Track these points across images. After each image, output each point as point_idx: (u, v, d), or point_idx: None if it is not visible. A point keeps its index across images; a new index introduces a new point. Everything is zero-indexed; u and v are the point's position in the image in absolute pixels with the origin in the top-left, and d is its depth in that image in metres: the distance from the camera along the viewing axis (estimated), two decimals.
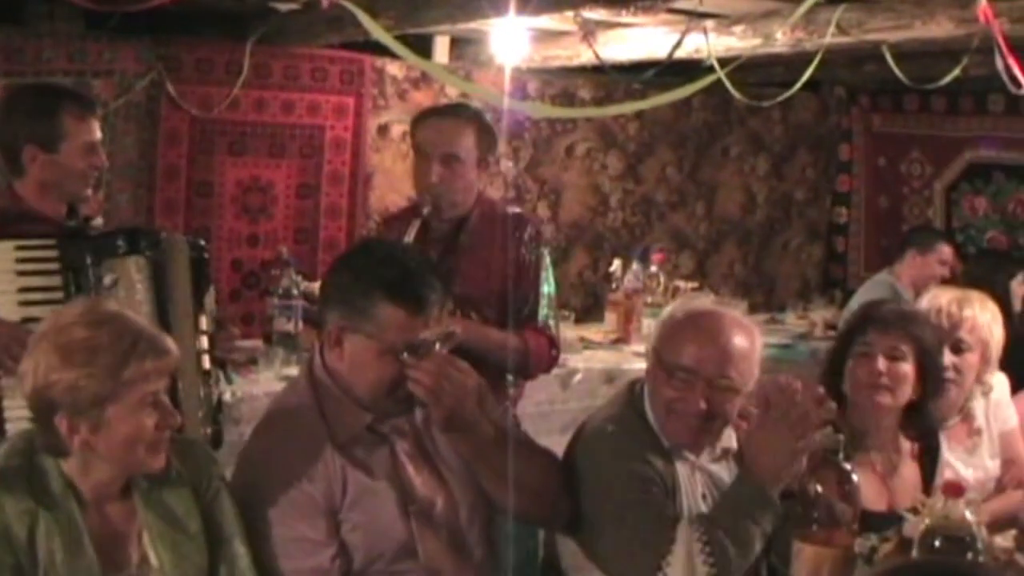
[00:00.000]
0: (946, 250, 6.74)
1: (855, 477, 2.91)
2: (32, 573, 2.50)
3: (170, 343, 2.64)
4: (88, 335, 2.55)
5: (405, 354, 2.83)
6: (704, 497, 3.08)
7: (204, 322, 3.85)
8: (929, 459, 3.65)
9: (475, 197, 4.26)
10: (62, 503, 2.57)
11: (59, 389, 2.52)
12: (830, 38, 5.16)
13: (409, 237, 4.05)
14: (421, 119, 4.33)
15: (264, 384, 5.00)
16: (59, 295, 3.50)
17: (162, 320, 3.62)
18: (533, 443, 3.18)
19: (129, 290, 3.60)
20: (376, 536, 2.86)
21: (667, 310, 3.25)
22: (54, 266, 3.55)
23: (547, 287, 4.26)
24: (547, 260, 4.30)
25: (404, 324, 2.84)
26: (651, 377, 3.14)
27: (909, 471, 3.57)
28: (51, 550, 2.51)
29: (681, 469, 3.08)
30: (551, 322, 4.25)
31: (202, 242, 3.96)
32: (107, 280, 3.56)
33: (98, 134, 3.87)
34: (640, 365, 5.56)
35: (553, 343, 4.25)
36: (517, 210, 4.61)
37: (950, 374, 3.83)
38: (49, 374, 2.52)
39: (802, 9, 3.57)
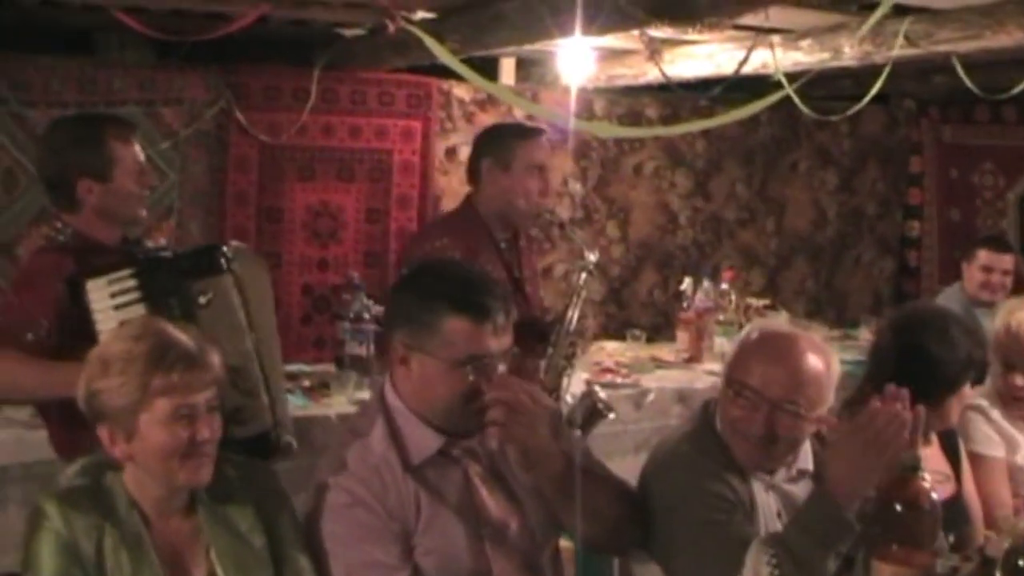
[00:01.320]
0: (985, 255, 6.62)
1: (935, 495, 2.87)
2: None
3: (210, 356, 2.67)
4: (126, 347, 2.64)
5: (471, 375, 2.83)
6: (779, 516, 3.05)
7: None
8: (950, 444, 3.69)
9: None
10: (127, 519, 2.63)
11: (99, 399, 2.63)
12: (898, 50, 5.10)
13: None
14: (529, 136, 4.59)
15: (336, 408, 5.00)
16: None
17: (254, 331, 3.64)
18: (606, 471, 3.16)
19: (226, 306, 3.61)
20: (449, 560, 2.85)
21: (745, 329, 3.23)
22: (143, 293, 3.55)
23: None
24: None
25: (470, 334, 2.84)
26: (721, 395, 3.12)
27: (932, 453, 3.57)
28: (119, 564, 2.57)
29: (757, 487, 3.05)
30: None
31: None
32: (202, 300, 3.56)
33: (142, 155, 3.89)
34: (712, 384, 5.54)
35: None
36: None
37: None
38: (91, 384, 2.65)
39: (870, 22, 3.54)
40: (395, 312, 2.96)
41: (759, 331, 3.15)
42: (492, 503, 2.94)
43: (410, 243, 4.56)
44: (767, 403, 2.98)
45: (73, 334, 3.50)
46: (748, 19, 4.91)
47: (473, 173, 4.58)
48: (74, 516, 2.57)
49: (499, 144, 4.51)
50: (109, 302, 3.51)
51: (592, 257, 4.57)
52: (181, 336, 2.68)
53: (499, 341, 2.87)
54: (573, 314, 4.56)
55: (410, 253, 4.59)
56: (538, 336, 4.56)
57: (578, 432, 3.62)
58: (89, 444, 3.45)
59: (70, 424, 3.62)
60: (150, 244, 4.06)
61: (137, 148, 3.86)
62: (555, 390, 4.43)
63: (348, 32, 6.06)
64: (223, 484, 2.79)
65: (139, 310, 3.52)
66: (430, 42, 3.72)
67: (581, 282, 4.61)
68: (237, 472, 2.83)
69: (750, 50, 5.63)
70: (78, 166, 3.74)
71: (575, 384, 4.64)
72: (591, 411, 3.77)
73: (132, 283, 3.56)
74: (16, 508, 4.38)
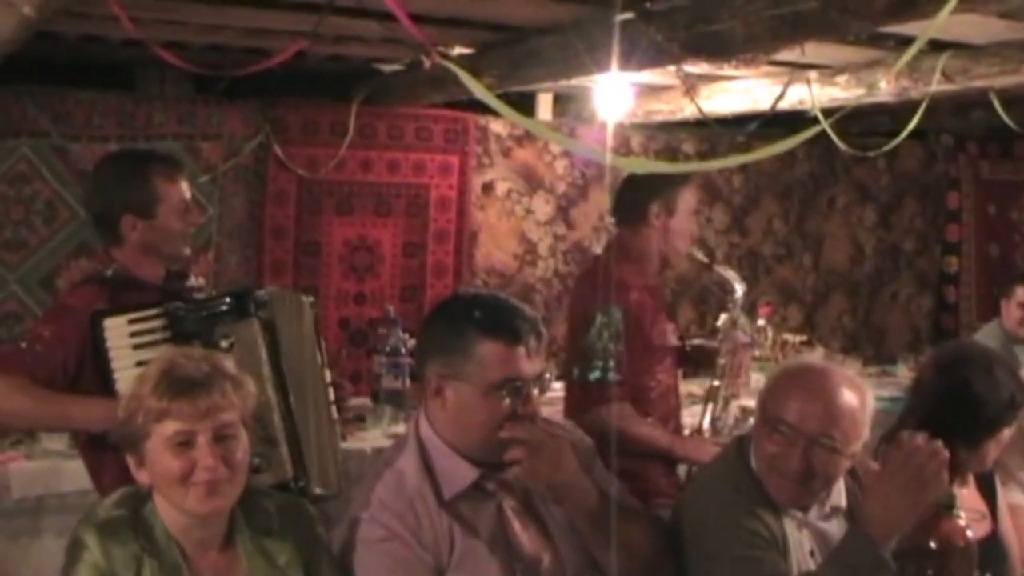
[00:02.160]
0: (1023, 292, 6.61)
1: (970, 533, 2.85)
2: None
3: (223, 388, 2.63)
4: (141, 374, 2.67)
5: (507, 400, 2.83)
6: (812, 554, 3.03)
7: (328, 375, 3.88)
8: (986, 483, 3.62)
9: None
10: (166, 550, 2.62)
11: (119, 426, 2.67)
12: (935, 86, 5.10)
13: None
14: (688, 180, 4.65)
15: (372, 441, 5.03)
16: None
17: (279, 381, 3.65)
18: (638, 507, 3.16)
19: (246, 351, 3.62)
20: None
21: (781, 365, 3.21)
22: (167, 335, 3.57)
23: None
24: None
25: (503, 357, 2.83)
26: (756, 431, 3.10)
27: (968, 492, 3.52)
28: None
29: (790, 525, 3.03)
30: None
31: (311, 297, 3.99)
32: (224, 344, 3.58)
33: (188, 193, 3.91)
34: (748, 421, 5.52)
35: None
36: None
37: None
38: (120, 412, 2.67)
39: (905, 57, 3.53)
40: (427, 344, 2.96)
41: (795, 365, 3.14)
42: (525, 537, 2.93)
43: (608, 292, 4.54)
44: (804, 438, 2.96)
45: (93, 370, 3.55)
46: (784, 55, 4.91)
47: (634, 215, 4.60)
48: (113, 547, 2.56)
49: (666, 190, 4.55)
50: (128, 340, 3.54)
51: (740, 290, 4.75)
52: (192, 362, 2.65)
53: (532, 364, 2.87)
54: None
55: (617, 300, 4.42)
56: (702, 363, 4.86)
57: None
58: (116, 472, 3.52)
59: (99, 452, 3.68)
60: (192, 281, 4.08)
61: (183, 186, 3.88)
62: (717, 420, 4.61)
63: (386, 67, 6.11)
64: (263, 517, 2.78)
65: (160, 351, 3.53)
66: (465, 77, 3.72)
67: (733, 317, 4.78)
68: (276, 506, 2.82)
69: (786, 86, 5.64)
70: (123, 202, 3.76)
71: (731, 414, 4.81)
72: None
73: (155, 324, 3.58)
74: (52, 537, 4.42)
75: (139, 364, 3.47)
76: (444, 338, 2.89)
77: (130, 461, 2.67)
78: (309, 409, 3.76)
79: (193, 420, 2.58)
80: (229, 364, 2.72)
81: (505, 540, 2.89)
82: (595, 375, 4.37)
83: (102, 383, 3.51)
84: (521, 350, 2.85)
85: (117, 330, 3.53)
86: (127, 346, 3.54)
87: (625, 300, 4.41)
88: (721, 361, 4.70)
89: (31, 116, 5.77)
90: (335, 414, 3.88)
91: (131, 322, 3.56)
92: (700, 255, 4.67)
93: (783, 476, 2.99)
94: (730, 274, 4.77)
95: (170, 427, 2.57)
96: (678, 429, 4.59)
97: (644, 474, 4.38)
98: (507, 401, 2.83)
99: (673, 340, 4.61)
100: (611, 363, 4.34)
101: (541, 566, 2.92)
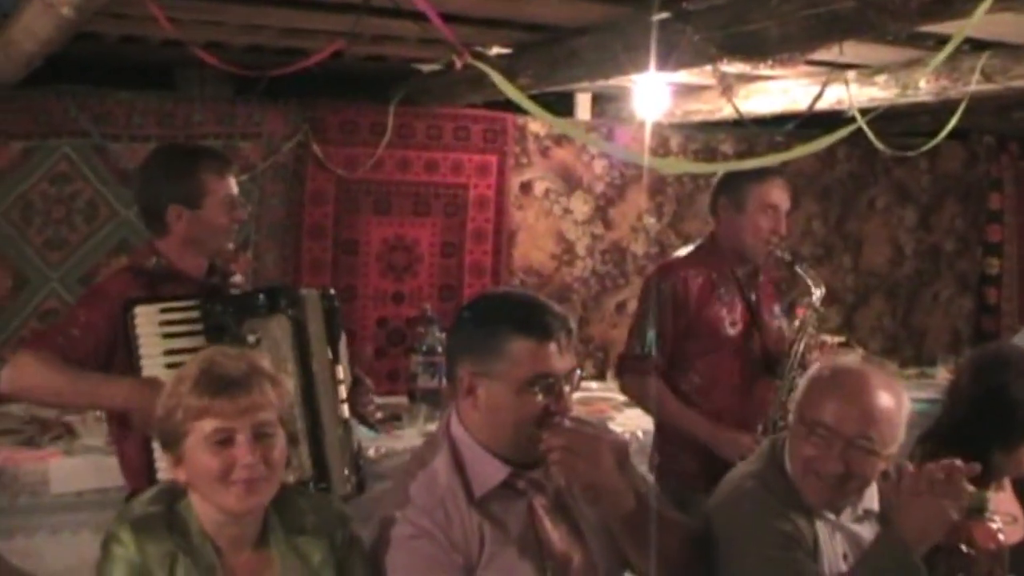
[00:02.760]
0: None
1: (1002, 537, 2.84)
2: None
3: (262, 386, 2.64)
4: (180, 371, 2.68)
5: (540, 397, 2.84)
6: (845, 557, 3.02)
7: (340, 372, 3.91)
8: (1021, 488, 3.61)
9: None
10: (200, 548, 2.63)
11: (158, 423, 2.68)
12: (975, 85, 5.07)
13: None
14: (766, 177, 4.77)
15: (407, 440, 5.04)
16: None
17: (306, 377, 3.68)
18: (673, 511, 3.16)
19: (273, 348, 3.66)
20: None
21: (815, 367, 3.21)
22: (197, 327, 3.62)
23: None
24: None
25: (534, 354, 2.84)
26: (792, 433, 3.10)
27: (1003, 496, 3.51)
28: None
29: (822, 528, 3.03)
30: None
31: (332, 291, 4.01)
32: (251, 339, 3.62)
33: (235, 189, 3.95)
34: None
35: None
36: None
37: None
38: (158, 408, 2.68)
39: (940, 56, 3.51)
40: (458, 343, 2.97)
41: (829, 368, 3.13)
42: (556, 536, 2.94)
43: (656, 273, 4.80)
44: (841, 440, 2.95)
45: (125, 356, 3.62)
46: (822, 54, 4.90)
47: (712, 210, 4.85)
48: (147, 544, 2.58)
49: (735, 185, 4.67)
50: (157, 329, 3.60)
51: (818, 293, 4.79)
52: (231, 361, 2.66)
53: (563, 361, 2.88)
54: (799, 348, 4.74)
55: (658, 280, 4.77)
56: (767, 367, 4.78)
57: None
58: (147, 468, 3.56)
59: (132, 451, 3.73)
60: (234, 278, 4.11)
61: (231, 182, 3.93)
62: (781, 419, 4.56)
63: (424, 68, 6.12)
64: (297, 516, 2.79)
65: (189, 342, 3.60)
66: (498, 78, 3.73)
67: (808, 318, 4.80)
68: (310, 505, 2.84)
69: (824, 85, 5.62)
70: (170, 192, 3.83)
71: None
72: None
73: (186, 315, 3.64)
74: (90, 533, 4.46)
75: (167, 353, 3.57)
76: (475, 337, 2.90)
77: (167, 458, 2.68)
78: (335, 411, 3.80)
79: (232, 418, 2.59)
80: (266, 362, 2.74)
81: (535, 538, 2.90)
82: (636, 349, 4.67)
83: (131, 370, 3.55)
84: (552, 346, 2.85)
85: (148, 318, 3.60)
86: (156, 335, 3.60)
87: (673, 278, 4.69)
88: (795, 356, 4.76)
89: (72, 116, 5.81)
90: (345, 413, 3.90)
91: (162, 311, 3.63)
92: (784, 252, 4.68)
93: (820, 478, 2.99)
94: (810, 274, 4.79)
95: (209, 425, 2.58)
96: (739, 426, 4.61)
97: (677, 456, 4.67)
98: (539, 398, 2.83)
99: (729, 331, 4.67)
100: (651, 337, 4.61)
101: (571, 565, 2.92)
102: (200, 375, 2.60)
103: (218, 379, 2.60)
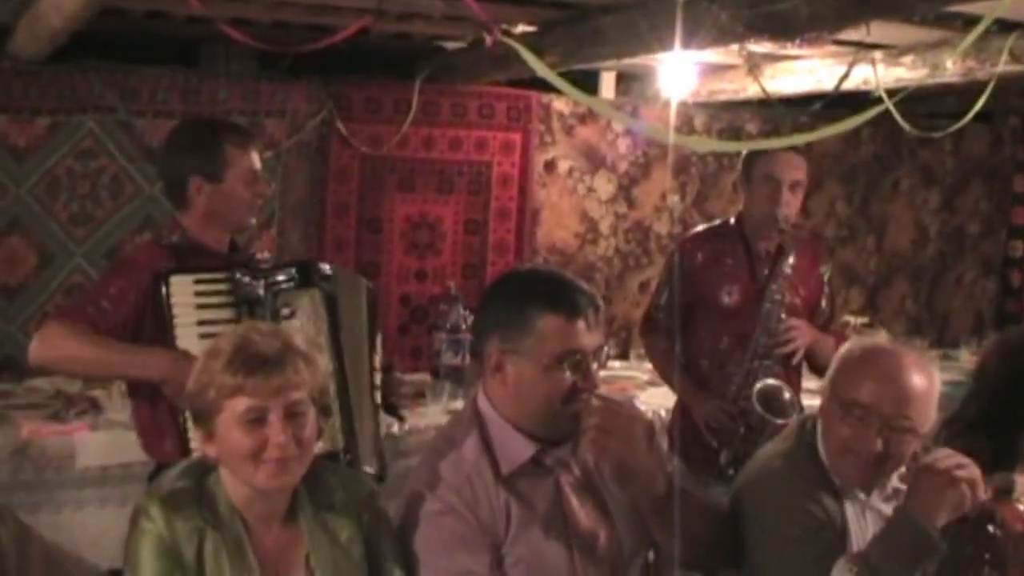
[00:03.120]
0: None
1: None
2: None
3: (295, 365, 2.64)
4: (213, 347, 2.67)
5: (568, 373, 2.84)
6: None
7: (376, 359, 3.92)
8: None
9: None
10: (229, 524, 2.64)
11: (190, 398, 2.68)
12: (1003, 67, 5.05)
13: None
14: (775, 151, 4.74)
15: (431, 418, 5.05)
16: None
17: (336, 353, 3.69)
18: (699, 492, 3.16)
19: (306, 321, 3.67)
20: (537, 571, 2.84)
21: (845, 346, 3.19)
22: (230, 299, 3.62)
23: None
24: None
25: (563, 330, 2.84)
26: (825, 414, 3.08)
27: None
28: (219, 569, 2.59)
29: (850, 509, 3.02)
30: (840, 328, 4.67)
31: (371, 285, 4.04)
32: (284, 312, 3.63)
33: (258, 163, 3.95)
34: (809, 401, 5.49)
35: None
36: (807, 233, 5.18)
37: None
38: (189, 383, 2.68)
39: (970, 38, 3.50)
40: (487, 320, 2.97)
41: (862, 347, 3.11)
42: (583, 514, 2.94)
43: (674, 244, 5.10)
44: (878, 419, 2.94)
45: (154, 327, 3.61)
46: (849, 34, 4.88)
47: (736, 188, 4.97)
48: (176, 519, 2.59)
49: (746, 160, 4.76)
50: (192, 300, 3.60)
51: (789, 261, 4.68)
52: (265, 339, 2.66)
53: (591, 337, 2.88)
54: (764, 310, 4.71)
55: (672, 251, 5.03)
56: None
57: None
58: (169, 443, 3.57)
59: (153, 423, 3.73)
60: (256, 255, 4.13)
61: (253, 156, 3.91)
62: (747, 387, 4.61)
63: (449, 45, 6.12)
64: (326, 492, 2.79)
65: (221, 313, 3.61)
66: (528, 55, 3.73)
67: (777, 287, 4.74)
68: (339, 481, 2.84)
69: (851, 66, 5.61)
70: (192, 165, 3.81)
71: None
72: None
73: (219, 287, 3.64)
74: (116, 507, 4.48)
75: (199, 323, 3.58)
76: (503, 313, 2.90)
77: (197, 433, 2.69)
78: (361, 387, 3.81)
79: (266, 397, 2.59)
80: (299, 339, 2.73)
81: (562, 516, 2.90)
82: (650, 311, 4.93)
83: (161, 340, 3.57)
84: (580, 323, 2.86)
85: (182, 288, 3.59)
86: (191, 305, 3.59)
87: (681, 249, 4.87)
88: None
89: (97, 92, 5.82)
90: (378, 399, 3.92)
91: (197, 282, 3.62)
92: (784, 224, 4.64)
93: (859, 458, 2.97)
94: (790, 244, 4.76)
95: (242, 403, 2.58)
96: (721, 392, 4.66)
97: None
98: (567, 375, 2.84)
99: (725, 301, 4.69)
100: (662, 301, 4.83)
101: (597, 543, 2.93)
102: (234, 352, 2.60)
103: (252, 357, 2.59)
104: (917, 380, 2.96)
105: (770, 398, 4.44)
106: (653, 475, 2.86)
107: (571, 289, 2.92)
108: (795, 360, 4.66)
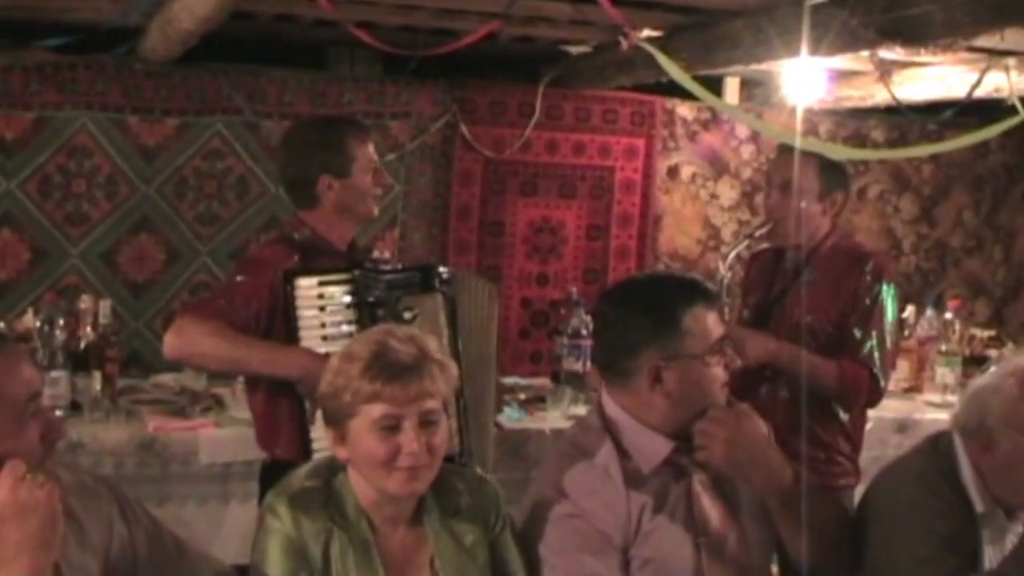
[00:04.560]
0: None
1: None
2: None
3: (432, 373, 2.63)
4: (350, 351, 2.67)
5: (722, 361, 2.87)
6: None
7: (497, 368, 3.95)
8: None
9: (823, 231, 4.39)
10: (355, 524, 2.65)
11: (323, 400, 2.68)
12: None
13: (731, 253, 4.49)
14: (781, 150, 4.54)
15: (551, 422, 5.03)
16: (357, 329, 3.59)
17: (455, 356, 3.69)
18: (826, 493, 3.13)
19: (429, 325, 3.68)
20: (665, 572, 2.83)
21: (993, 376, 3.10)
22: (353, 300, 3.66)
23: (885, 322, 4.30)
24: (887, 296, 4.31)
25: (711, 318, 2.89)
26: (985, 442, 2.99)
27: None
28: (345, 568, 2.61)
29: (986, 530, 2.96)
30: (876, 355, 4.22)
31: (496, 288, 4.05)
32: (407, 315, 3.64)
33: (375, 154, 4.00)
34: (933, 415, 5.42)
35: (874, 377, 4.22)
36: (866, 246, 4.75)
37: None
38: (322, 384, 2.69)
39: None
40: (633, 340, 2.91)
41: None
42: (713, 514, 2.93)
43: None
44: None
45: (285, 324, 3.66)
46: (982, 41, 4.79)
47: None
48: (303, 518, 2.61)
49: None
50: (316, 301, 3.65)
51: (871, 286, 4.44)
52: (403, 345, 2.64)
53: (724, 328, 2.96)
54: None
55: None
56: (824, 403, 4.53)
57: None
58: (284, 438, 3.65)
59: (269, 417, 3.79)
60: (376, 255, 4.16)
61: (371, 147, 3.96)
62: None
63: (574, 50, 6.11)
64: (452, 496, 2.80)
65: (345, 314, 3.66)
66: (662, 59, 3.71)
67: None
68: (466, 486, 2.84)
69: (983, 73, 5.51)
70: (320, 163, 3.86)
71: None
72: None
73: (343, 288, 3.68)
74: (238, 503, 4.53)
75: (322, 325, 3.63)
76: (651, 325, 2.87)
77: (329, 435, 2.70)
78: (483, 392, 3.82)
79: (402, 405, 2.59)
80: (434, 345, 2.73)
81: (692, 516, 2.89)
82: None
83: (289, 339, 3.62)
84: (717, 308, 2.95)
85: (307, 290, 3.65)
86: (314, 307, 3.65)
87: (749, 258, 4.83)
88: None
89: (225, 94, 5.92)
90: (498, 408, 3.94)
91: (321, 284, 3.67)
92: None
93: None
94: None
95: (378, 410, 2.59)
96: None
97: None
98: (721, 366, 2.89)
99: (745, 316, 4.58)
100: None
101: (726, 544, 2.91)
102: (372, 359, 2.60)
103: (391, 365, 2.59)
104: None
105: None
106: (777, 467, 2.88)
107: (700, 281, 2.99)
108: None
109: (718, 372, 2.89)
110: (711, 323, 2.88)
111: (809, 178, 4.31)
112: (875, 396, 4.30)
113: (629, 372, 2.91)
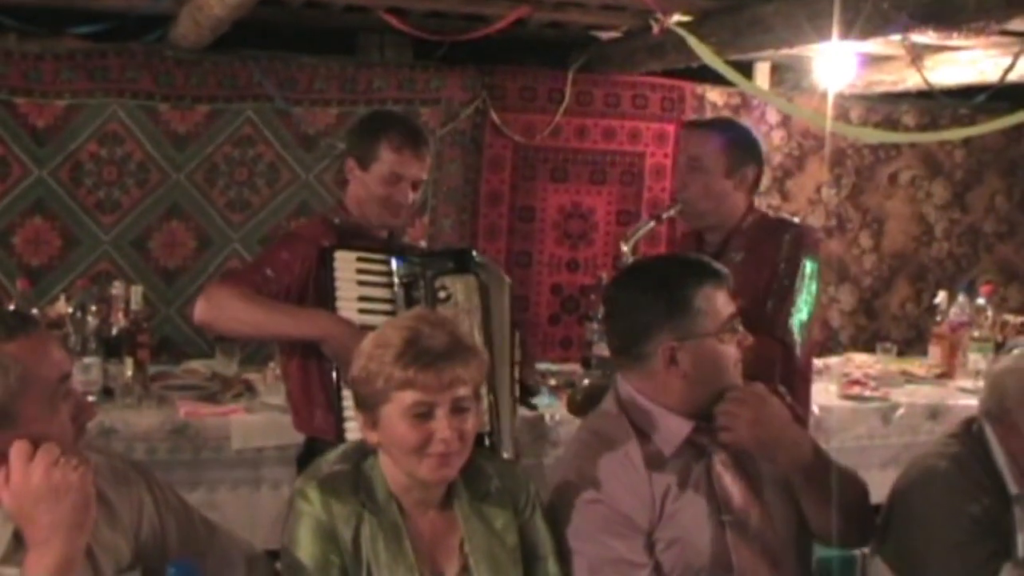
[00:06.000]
0: None
1: None
2: (356, 573, 2.62)
3: (464, 360, 2.64)
4: (384, 336, 2.68)
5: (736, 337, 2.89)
6: None
7: (515, 352, 3.95)
8: None
9: (740, 209, 4.16)
10: (385, 508, 2.67)
11: (355, 384, 2.70)
12: None
13: (635, 237, 4.37)
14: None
15: None
16: (393, 307, 3.67)
17: (487, 339, 3.71)
18: (845, 467, 3.13)
19: (463, 306, 3.71)
20: (690, 552, 2.85)
21: (1010, 358, 3.10)
22: (389, 279, 3.72)
23: (804, 294, 4.00)
24: (807, 267, 4.01)
25: (721, 298, 2.92)
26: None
27: None
28: (375, 552, 2.62)
29: (1020, 513, 2.95)
30: (795, 328, 3.95)
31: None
32: (441, 295, 3.68)
33: (408, 171, 4.02)
34: (965, 401, 5.39)
35: (789, 351, 3.93)
36: (785, 217, 4.71)
37: None
38: (354, 368, 2.70)
39: None
40: (646, 323, 2.92)
41: None
42: (735, 491, 2.93)
43: None
44: None
45: (316, 298, 3.74)
46: (1015, 24, 4.76)
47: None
48: (334, 503, 2.63)
49: None
50: (355, 276, 3.71)
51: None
52: (437, 332, 2.65)
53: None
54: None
55: None
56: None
57: None
58: (320, 416, 3.74)
59: (304, 396, 3.88)
60: (406, 240, 4.20)
61: (404, 160, 3.96)
62: None
63: (604, 35, 6.10)
64: (482, 480, 2.81)
65: (380, 292, 3.71)
66: (695, 43, 3.70)
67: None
68: (495, 470, 2.86)
69: (1016, 56, 5.45)
70: (350, 144, 4.12)
71: None
72: None
73: (381, 267, 3.74)
74: (269, 489, 4.56)
75: (360, 299, 3.69)
76: (662, 306, 2.89)
77: (360, 419, 2.71)
78: (504, 376, 3.85)
79: (435, 392, 2.60)
80: (465, 328, 2.75)
81: (714, 495, 2.91)
82: None
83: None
84: (725, 285, 2.96)
85: (347, 263, 3.72)
86: (353, 280, 3.71)
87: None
88: None
89: (256, 80, 5.92)
90: (516, 391, 3.95)
91: (360, 259, 3.74)
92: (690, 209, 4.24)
93: None
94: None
95: (411, 397, 2.60)
96: None
97: None
98: (734, 343, 2.91)
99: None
100: None
101: (750, 520, 2.92)
102: (405, 345, 2.61)
103: (424, 352, 2.60)
104: None
105: None
106: (798, 443, 2.92)
107: (706, 261, 3.05)
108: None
109: (731, 350, 2.91)
110: (721, 302, 2.91)
111: (713, 154, 4.10)
112: (789, 371, 3.89)
113: (644, 355, 2.93)
